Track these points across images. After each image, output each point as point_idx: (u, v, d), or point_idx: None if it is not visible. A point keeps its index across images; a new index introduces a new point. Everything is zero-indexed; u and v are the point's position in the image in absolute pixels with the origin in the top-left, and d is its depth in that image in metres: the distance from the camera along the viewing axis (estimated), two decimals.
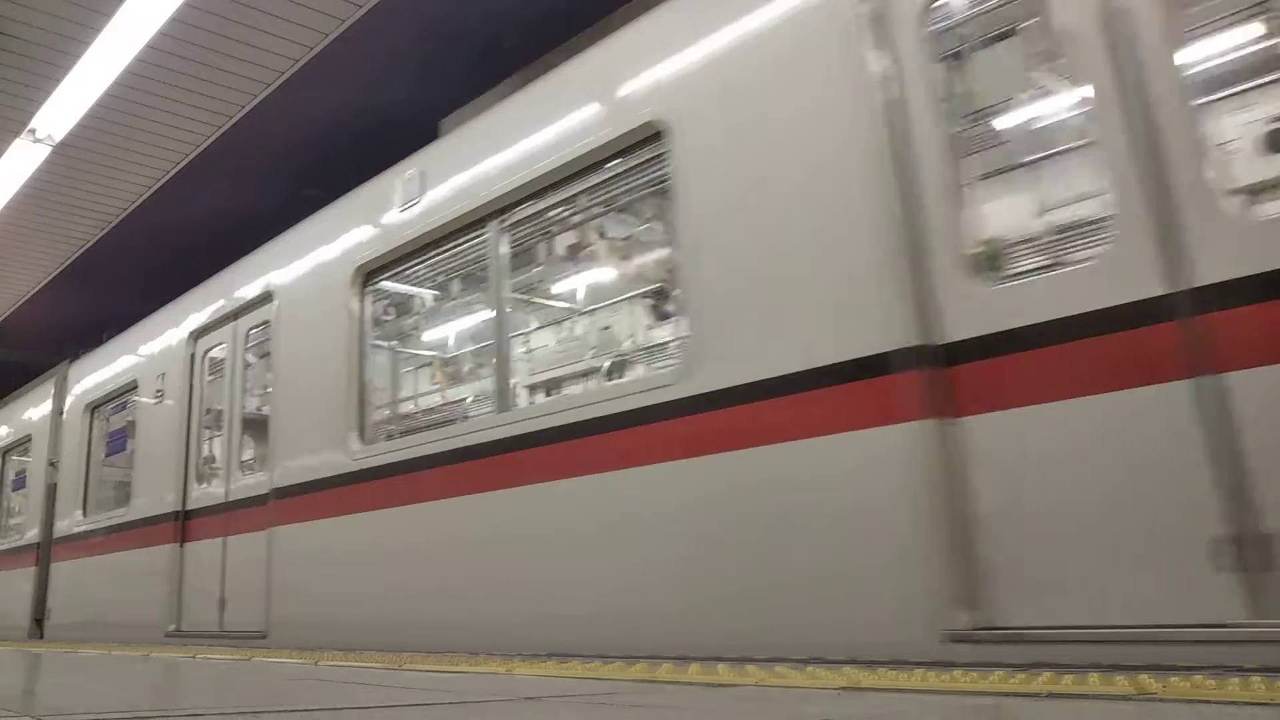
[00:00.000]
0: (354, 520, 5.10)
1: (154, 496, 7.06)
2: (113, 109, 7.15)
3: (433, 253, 5.13)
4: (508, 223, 4.68)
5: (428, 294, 6.43)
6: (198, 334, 7.04)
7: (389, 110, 7.15)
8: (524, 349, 6.46)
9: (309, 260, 5.96)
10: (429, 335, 7.08)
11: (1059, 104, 3.42)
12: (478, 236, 4.83)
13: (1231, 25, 3.58)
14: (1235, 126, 3.75)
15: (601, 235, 5.81)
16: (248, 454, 6.71)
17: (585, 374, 5.88)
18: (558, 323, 6.48)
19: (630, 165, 4.08)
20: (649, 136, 3.89)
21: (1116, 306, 2.56)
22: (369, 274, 5.50)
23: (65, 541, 8.58)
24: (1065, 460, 2.60)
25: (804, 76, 3.34)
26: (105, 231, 9.41)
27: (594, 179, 4.25)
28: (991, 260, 3.05)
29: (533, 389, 6.21)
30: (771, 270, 3.33)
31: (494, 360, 4.73)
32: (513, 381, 5.00)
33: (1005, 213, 3.77)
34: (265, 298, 6.30)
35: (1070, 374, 2.61)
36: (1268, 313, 2.33)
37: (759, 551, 3.19)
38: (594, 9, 4.62)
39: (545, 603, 3.96)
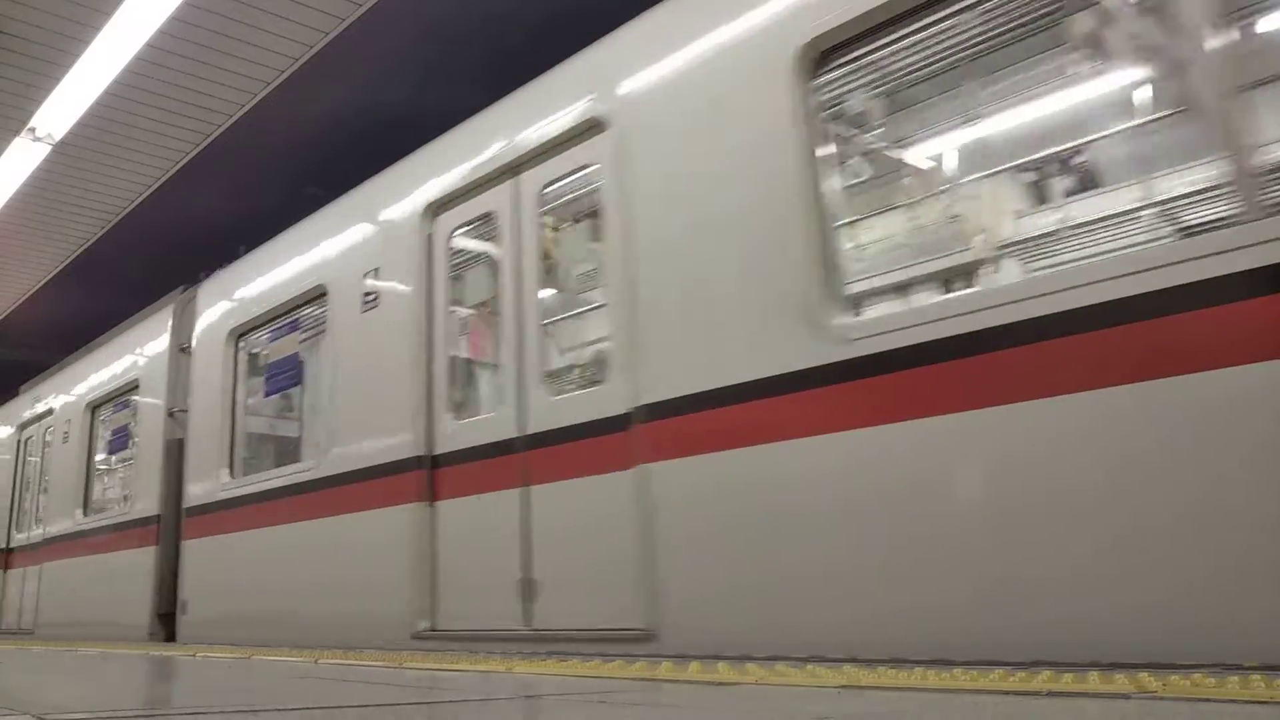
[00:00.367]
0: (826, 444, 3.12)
1: (370, 441, 5.12)
2: (113, 108, 7.15)
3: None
4: None
5: None
6: (439, 207, 5.01)
7: (389, 109, 7.14)
8: None
9: (685, 46, 3.80)
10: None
11: None
12: None
13: None
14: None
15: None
16: (562, 357, 5.12)
17: None
18: None
19: None
20: None
21: None
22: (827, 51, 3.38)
23: (205, 512, 6.54)
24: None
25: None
26: (105, 230, 9.41)
27: None
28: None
29: None
30: None
31: None
32: None
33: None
34: (588, 128, 4.23)
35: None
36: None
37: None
38: (594, 9, 4.61)
39: None
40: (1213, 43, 2.74)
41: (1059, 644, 2.51)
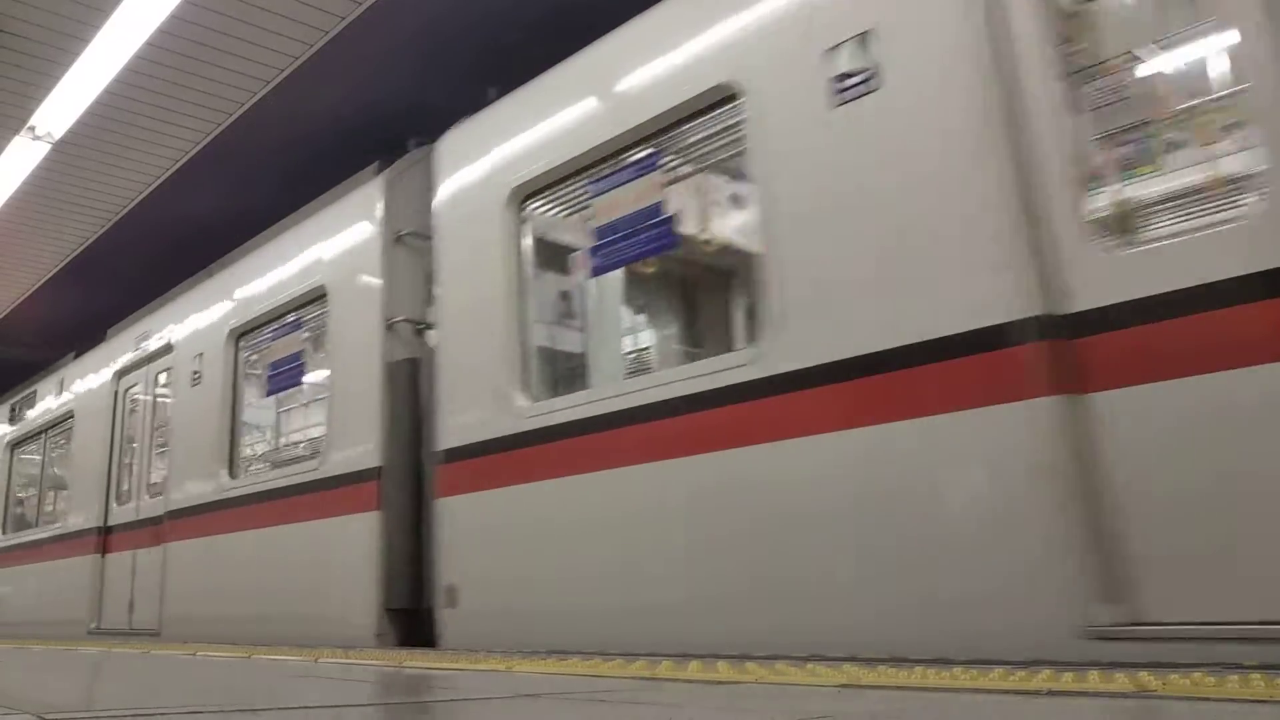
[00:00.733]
0: None
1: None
2: (112, 106, 7.14)
3: None
4: None
5: None
6: None
7: (389, 108, 7.13)
8: None
9: None
10: None
11: None
12: None
13: None
14: None
15: None
16: None
17: None
18: None
19: None
20: None
21: None
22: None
23: (483, 454, 4.47)
24: None
25: None
26: (105, 229, 9.40)
27: None
28: None
29: None
30: None
31: None
32: None
33: None
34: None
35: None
36: None
37: None
38: (594, 9, 4.61)
39: None
40: None
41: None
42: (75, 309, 11.25)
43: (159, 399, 7.81)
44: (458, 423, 4.67)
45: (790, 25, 3.55)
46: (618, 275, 4.96)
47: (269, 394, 6.46)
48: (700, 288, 5.86)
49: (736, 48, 3.73)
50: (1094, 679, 2.03)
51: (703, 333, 5.72)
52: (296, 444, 6.72)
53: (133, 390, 8.31)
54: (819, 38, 3.40)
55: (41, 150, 7.71)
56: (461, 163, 5.05)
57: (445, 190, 5.10)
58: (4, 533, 10.44)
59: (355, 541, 5.08)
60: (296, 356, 6.09)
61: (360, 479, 5.16)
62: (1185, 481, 2.49)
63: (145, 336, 8.13)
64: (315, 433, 6.30)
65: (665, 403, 3.69)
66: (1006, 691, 2.00)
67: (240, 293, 6.85)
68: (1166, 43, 2.96)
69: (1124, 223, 2.81)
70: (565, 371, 4.87)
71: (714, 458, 3.48)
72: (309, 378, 6.21)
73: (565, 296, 5.00)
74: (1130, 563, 2.54)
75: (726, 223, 4.97)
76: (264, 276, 6.62)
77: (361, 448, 5.20)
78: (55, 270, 10.43)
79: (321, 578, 5.37)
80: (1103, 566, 2.56)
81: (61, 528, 8.93)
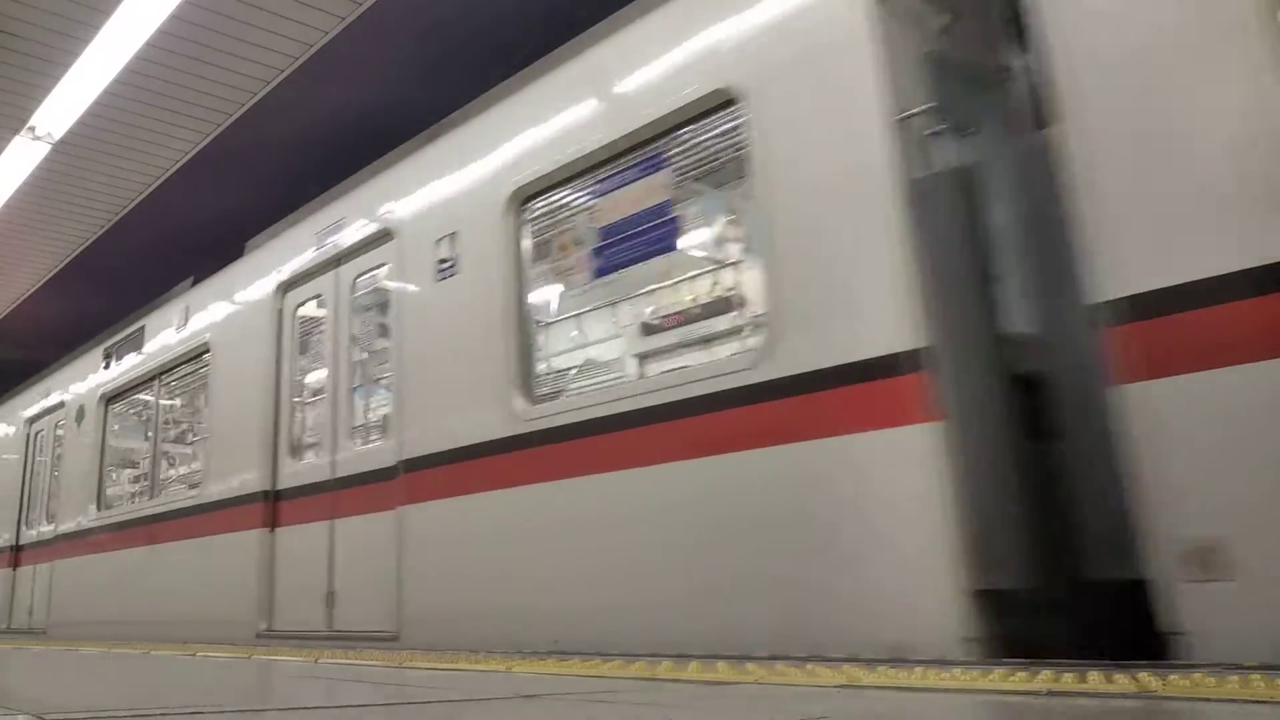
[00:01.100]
0: None
1: None
2: (112, 106, 7.14)
3: None
4: None
5: None
6: None
7: (389, 108, 7.13)
8: None
9: None
10: None
11: None
12: None
13: None
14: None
15: None
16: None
17: None
18: None
19: None
20: None
21: None
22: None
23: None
24: None
25: None
26: (105, 229, 9.41)
27: None
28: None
29: None
30: None
31: None
32: None
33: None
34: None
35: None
36: None
37: None
38: (594, 9, 4.61)
39: None
40: None
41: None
42: (75, 309, 11.26)
43: (372, 306, 5.78)
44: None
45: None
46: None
47: (599, 275, 4.37)
48: None
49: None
50: (1094, 679, 2.03)
51: None
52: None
53: (309, 304, 6.05)
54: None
55: (41, 150, 7.71)
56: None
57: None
58: (98, 509, 8.18)
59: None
60: (659, 211, 3.98)
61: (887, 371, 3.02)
62: None
63: (335, 227, 5.82)
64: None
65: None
66: (1007, 692, 2.00)
67: (531, 135, 4.52)
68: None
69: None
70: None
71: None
72: (692, 238, 4.83)
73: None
74: None
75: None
76: (574, 100, 4.40)
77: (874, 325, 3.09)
78: (55, 270, 10.44)
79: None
80: None
81: (206, 496, 6.50)
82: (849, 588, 3.01)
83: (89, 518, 8.17)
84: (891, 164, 3.11)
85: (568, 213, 4.49)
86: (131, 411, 8.87)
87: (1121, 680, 2.00)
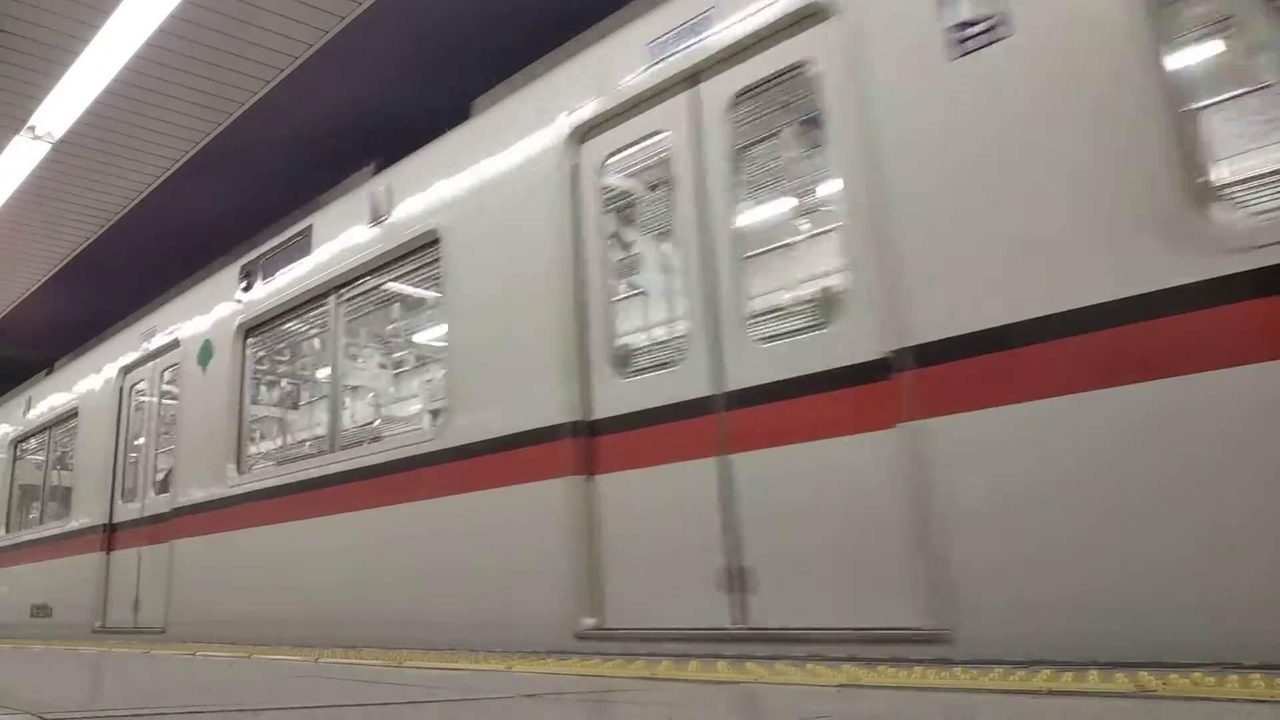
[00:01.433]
0: None
1: None
2: (112, 106, 7.14)
3: None
4: None
5: None
6: None
7: (389, 108, 7.14)
8: None
9: None
10: None
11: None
12: None
13: None
14: None
15: None
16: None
17: None
18: None
19: None
20: None
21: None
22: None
23: None
24: None
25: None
26: (105, 229, 9.41)
27: None
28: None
29: None
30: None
31: None
32: None
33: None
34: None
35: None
36: None
37: None
38: (594, 8, 4.61)
39: None
40: None
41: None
42: (75, 309, 11.26)
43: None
44: None
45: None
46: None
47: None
48: None
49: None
50: (1094, 679, 2.04)
51: None
52: None
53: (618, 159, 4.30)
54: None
55: (41, 150, 7.71)
56: None
57: None
58: (239, 472, 6.48)
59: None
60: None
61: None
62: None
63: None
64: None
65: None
66: (1006, 691, 2.00)
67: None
68: None
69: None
70: None
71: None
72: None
73: None
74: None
75: None
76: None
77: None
78: (55, 270, 10.44)
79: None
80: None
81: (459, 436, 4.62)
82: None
83: (229, 483, 6.32)
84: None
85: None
86: (283, 344, 7.08)
87: (1121, 680, 2.00)
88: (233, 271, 6.87)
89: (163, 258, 9.50)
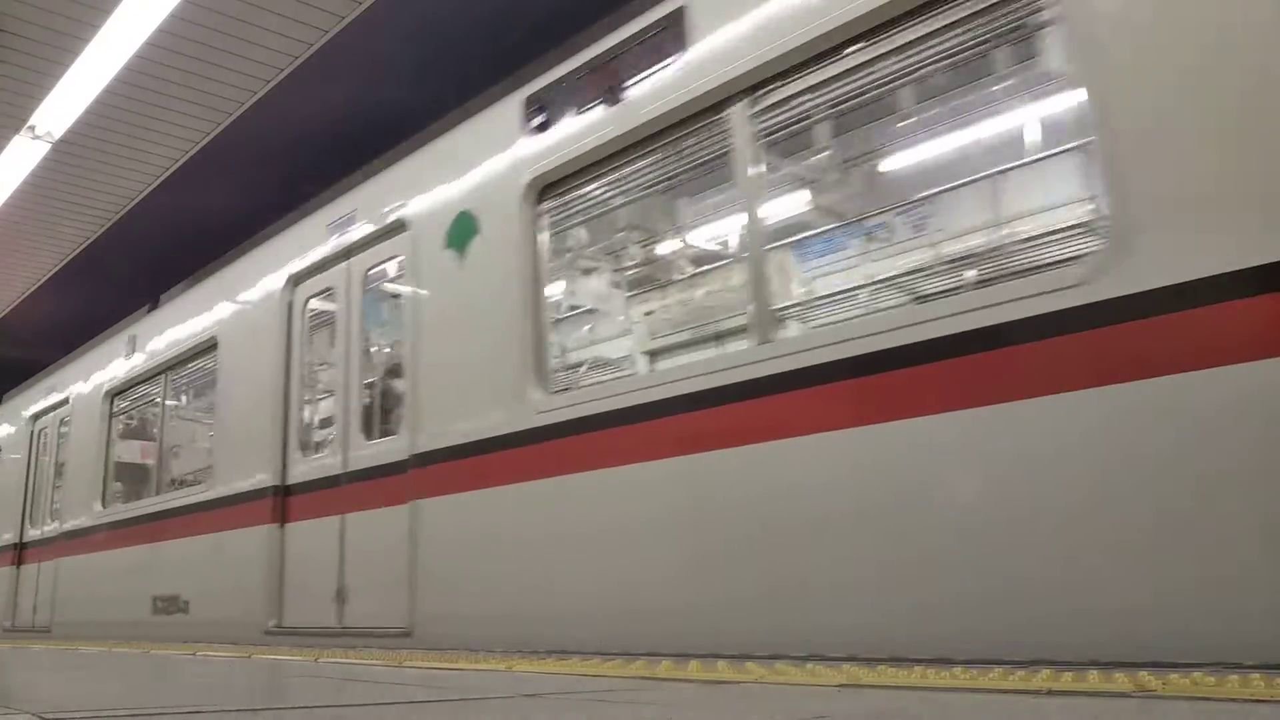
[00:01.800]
0: None
1: None
2: (112, 106, 7.14)
3: None
4: None
5: None
6: None
7: (388, 108, 7.13)
8: None
9: None
10: None
11: None
12: None
13: None
14: None
15: None
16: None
17: None
18: None
19: None
20: None
21: None
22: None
23: None
24: None
25: None
26: (105, 228, 9.41)
27: None
28: None
29: None
30: None
31: None
32: None
33: None
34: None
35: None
36: None
37: None
38: (591, 8, 4.61)
39: None
40: None
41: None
42: (75, 309, 11.25)
43: None
44: None
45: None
46: None
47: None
48: None
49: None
50: (1094, 679, 2.04)
51: None
52: None
53: None
54: None
55: (41, 150, 7.71)
56: None
57: None
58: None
59: None
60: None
61: None
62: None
63: None
64: None
65: None
66: (1006, 691, 2.00)
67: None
68: None
69: None
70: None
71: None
72: None
73: None
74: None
75: None
76: None
77: None
78: (55, 270, 10.44)
79: None
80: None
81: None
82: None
83: (533, 409, 4.28)
84: None
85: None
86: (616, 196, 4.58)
87: (1121, 679, 2.00)
88: (508, 109, 4.76)
89: (163, 258, 9.50)
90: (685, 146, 4.09)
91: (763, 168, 3.92)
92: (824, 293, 4.97)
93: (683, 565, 3.59)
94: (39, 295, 11.14)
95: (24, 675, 3.64)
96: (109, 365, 8.74)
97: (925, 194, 4.73)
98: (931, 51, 3.36)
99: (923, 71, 3.46)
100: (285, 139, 7.89)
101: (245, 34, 6.35)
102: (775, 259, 4.33)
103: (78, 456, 8.87)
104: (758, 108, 3.78)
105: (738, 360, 3.63)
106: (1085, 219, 3.68)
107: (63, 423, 9.51)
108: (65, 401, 9.45)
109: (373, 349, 5.84)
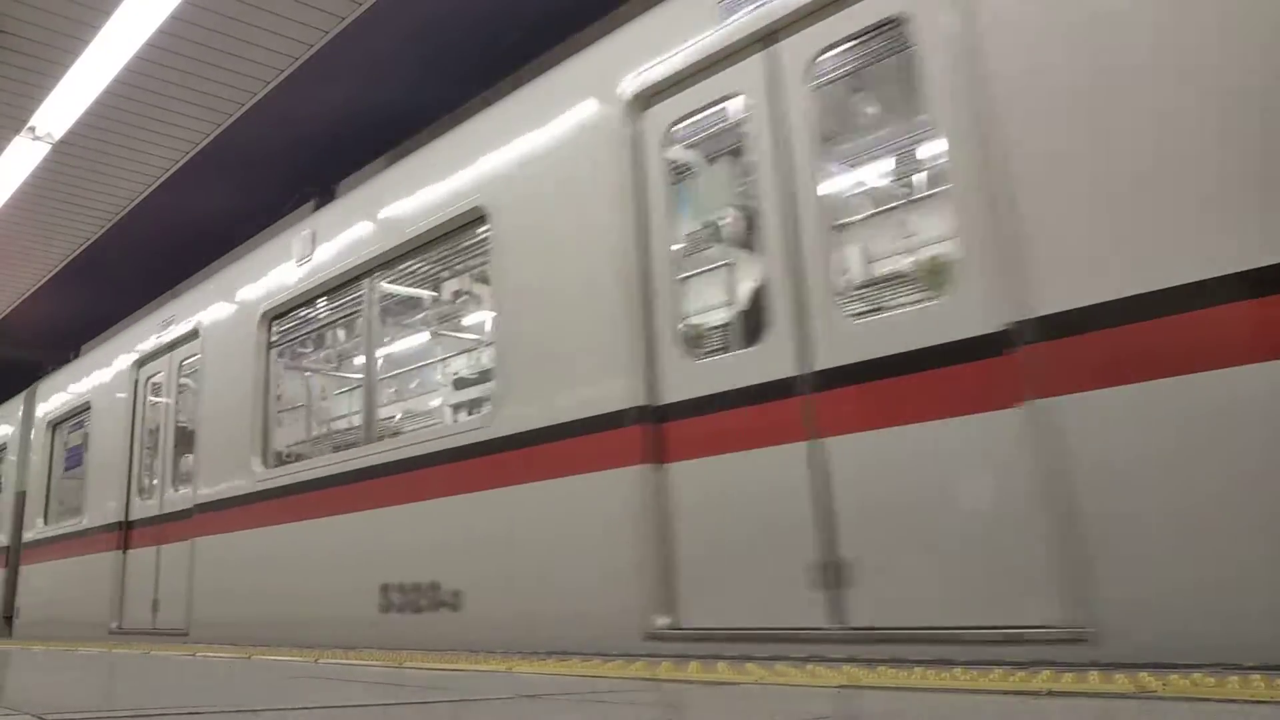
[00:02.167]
0: None
1: None
2: (112, 106, 7.14)
3: None
4: None
5: None
6: None
7: (388, 108, 7.14)
8: None
9: None
10: None
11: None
12: None
13: None
14: None
15: None
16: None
17: None
18: None
19: None
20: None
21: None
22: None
23: None
24: None
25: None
26: (105, 229, 9.41)
27: None
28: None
29: None
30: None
31: None
32: None
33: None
34: None
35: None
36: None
37: None
38: (591, 8, 4.62)
39: None
40: None
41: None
42: (75, 309, 11.26)
43: None
44: None
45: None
46: None
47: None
48: None
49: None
50: (1094, 679, 2.04)
51: None
52: None
53: None
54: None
55: (41, 150, 7.71)
56: None
57: None
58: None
59: None
60: None
61: None
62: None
63: None
64: None
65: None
66: (1006, 692, 2.00)
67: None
68: None
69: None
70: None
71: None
72: None
73: None
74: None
75: None
76: None
77: None
78: (55, 270, 10.44)
79: None
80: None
81: None
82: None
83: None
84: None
85: None
86: None
87: (1121, 680, 2.00)
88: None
89: (163, 258, 9.50)
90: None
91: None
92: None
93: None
94: (39, 295, 11.14)
95: (24, 676, 3.64)
96: (267, 277, 6.54)
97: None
98: None
99: None
100: (285, 139, 7.89)
101: (245, 34, 6.35)
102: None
103: (218, 404, 6.72)
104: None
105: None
106: None
107: (186, 363, 7.49)
108: (192, 335, 7.34)
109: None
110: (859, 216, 3.88)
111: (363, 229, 5.69)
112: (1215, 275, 2.40)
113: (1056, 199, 2.72)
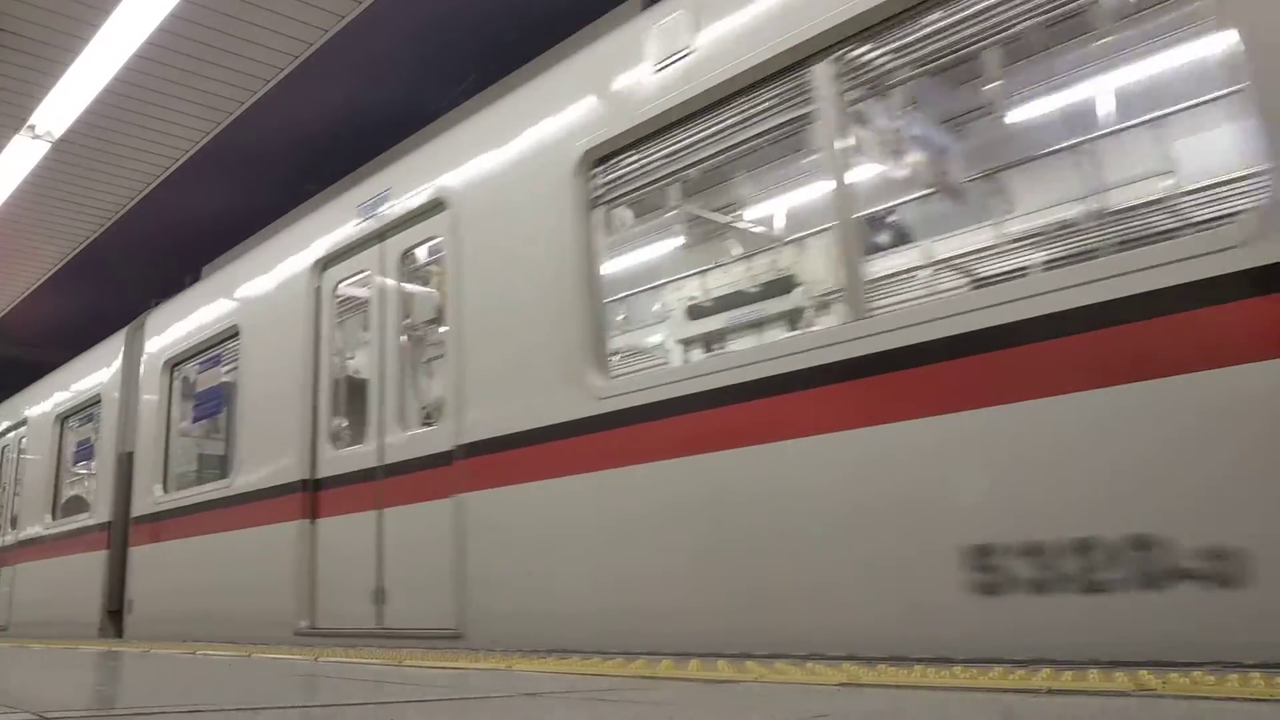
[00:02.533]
0: None
1: None
2: (112, 105, 7.15)
3: None
4: None
5: None
6: None
7: (389, 107, 7.14)
8: None
9: None
10: None
11: None
12: None
13: None
14: None
15: None
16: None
17: None
18: None
19: None
20: None
21: None
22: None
23: None
24: None
25: None
26: (105, 228, 9.41)
27: None
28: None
29: None
30: None
31: None
32: None
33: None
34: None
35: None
36: None
37: None
38: (591, 7, 4.62)
39: None
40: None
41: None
42: (75, 309, 11.26)
43: None
44: None
45: None
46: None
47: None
48: None
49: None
50: (1094, 678, 2.04)
51: None
52: None
53: None
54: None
55: (41, 149, 7.71)
56: None
57: None
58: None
59: None
60: None
61: None
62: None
63: None
64: None
65: None
66: (1006, 690, 2.00)
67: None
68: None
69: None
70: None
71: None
72: None
73: None
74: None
75: None
76: None
77: None
78: (55, 270, 10.44)
79: None
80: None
81: None
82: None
83: None
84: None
85: None
86: None
87: (1121, 679, 2.00)
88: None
89: (163, 257, 9.50)
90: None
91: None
92: None
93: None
94: (39, 295, 11.14)
95: (25, 675, 3.64)
96: (587, 99, 4.40)
97: None
98: None
99: None
100: (285, 139, 7.89)
101: (245, 34, 6.35)
102: None
103: (494, 293, 4.68)
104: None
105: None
106: None
107: (412, 250, 5.41)
108: (433, 207, 5.06)
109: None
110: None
111: None
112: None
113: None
